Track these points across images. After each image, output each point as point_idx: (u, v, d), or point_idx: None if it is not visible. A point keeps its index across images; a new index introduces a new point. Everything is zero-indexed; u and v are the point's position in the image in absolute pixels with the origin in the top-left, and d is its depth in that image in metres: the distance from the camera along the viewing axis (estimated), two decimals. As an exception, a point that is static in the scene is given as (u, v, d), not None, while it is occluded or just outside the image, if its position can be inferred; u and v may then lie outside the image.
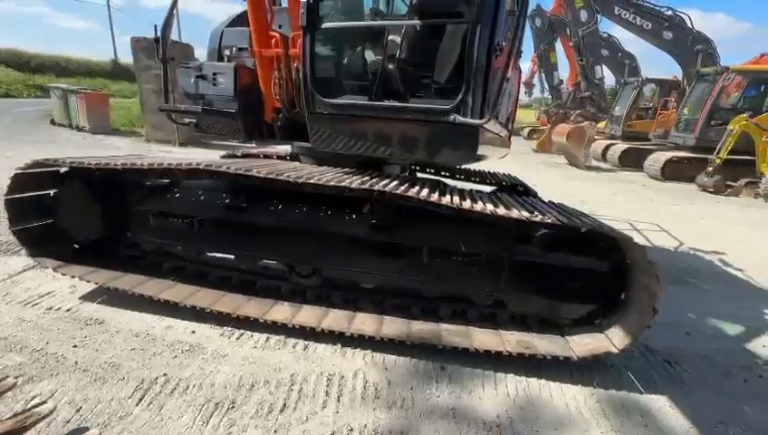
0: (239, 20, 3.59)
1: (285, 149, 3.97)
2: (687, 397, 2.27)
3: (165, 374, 2.16)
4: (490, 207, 2.28)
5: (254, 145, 4.73)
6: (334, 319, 2.58)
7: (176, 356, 2.32)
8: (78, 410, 1.88)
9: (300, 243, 2.79)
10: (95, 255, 3.01)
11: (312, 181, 2.31)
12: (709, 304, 3.50)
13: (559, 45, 19.26)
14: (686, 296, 3.59)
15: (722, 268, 4.47)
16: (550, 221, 2.17)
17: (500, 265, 2.56)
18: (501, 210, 2.24)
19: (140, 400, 1.97)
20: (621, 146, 13.26)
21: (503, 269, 2.56)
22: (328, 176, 2.46)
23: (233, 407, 1.97)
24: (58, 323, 2.56)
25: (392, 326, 2.53)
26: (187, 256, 3.08)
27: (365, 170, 2.89)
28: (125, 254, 3.12)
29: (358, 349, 2.48)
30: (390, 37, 2.58)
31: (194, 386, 2.09)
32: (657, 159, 10.94)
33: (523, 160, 12.47)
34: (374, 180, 2.51)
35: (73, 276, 2.80)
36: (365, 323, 2.56)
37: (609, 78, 17.04)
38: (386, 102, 2.62)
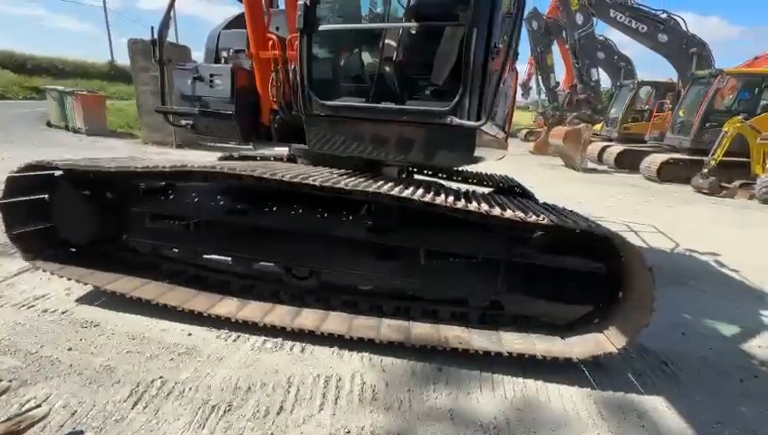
0: (236, 22, 3.59)
1: (283, 150, 3.97)
2: (684, 397, 2.28)
3: (161, 377, 2.15)
4: (485, 207, 2.29)
5: (251, 147, 4.73)
6: (333, 322, 2.58)
7: (172, 359, 2.31)
8: (73, 414, 1.86)
9: (296, 244, 2.78)
10: (91, 257, 3.00)
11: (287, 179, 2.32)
12: (705, 304, 3.52)
13: (555, 48, 19.36)
14: (681, 297, 3.60)
15: (717, 269, 4.50)
16: (545, 222, 2.18)
17: (496, 266, 2.56)
18: (495, 211, 2.25)
19: (136, 403, 1.96)
20: (617, 148, 13.34)
21: (499, 271, 2.56)
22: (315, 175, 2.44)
23: (229, 410, 1.96)
24: (53, 326, 2.54)
25: (391, 328, 2.53)
26: (183, 257, 3.07)
27: (361, 172, 2.89)
28: (121, 256, 3.11)
29: (355, 351, 2.47)
30: (387, 40, 2.59)
31: (190, 389, 2.08)
32: (653, 160, 11.01)
33: (520, 162, 12.51)
34: (367, 181, 2.51)
35: (69, 279, 2.79)
36: (362, 325, 2.56)
37: (605, 80, 17.17)
38: (383, 104, 2.62)
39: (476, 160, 2.91)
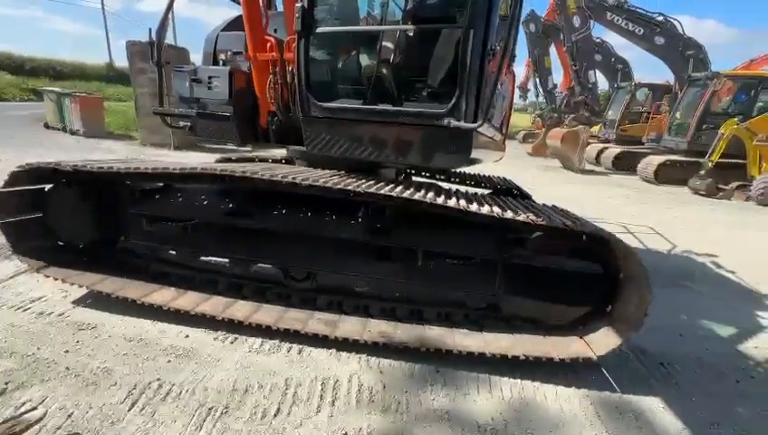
0: (234, 24, 3.60)
1: (281, 152, 3.97)
2: (681, 398, 2.28)
3: (158, 379, 2.14)
4: (463, 203, 2.32)
5: (249, 149, 4.73)
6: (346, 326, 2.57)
7: (169, 361, 2.31)
8: (69, 417, 1.85)
9: (293, 246, 2.79)
10: (89, 259, 2.99)
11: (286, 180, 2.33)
12: (701, 305, 3.53)
13: (553, 50, 19.42)
14: (678, 299, 3.61)
15: (714, 270, 4.51)
16: (544, 223, 2.19)
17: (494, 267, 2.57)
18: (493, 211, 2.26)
19: (133, 405, 1.95)
20: (615, 150, 13.39)
21: (496, 272, 2.57)
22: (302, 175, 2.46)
23: (226, 412, 1.95)
24: (49, 328, 2.53)
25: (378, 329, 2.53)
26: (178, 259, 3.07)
27: (359, 173, 2.90)
28: (118, 258, 3.10)
29: (353, 353, 2.47)
30: (384, 42, 2.60)
31: (187, 391, 2.07)
32: (650, 162, 11.06)
33: (518, 164, 12.54)
34: (363, 183, 2.52)
35: (64, 280, 2.78)
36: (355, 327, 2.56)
37: (602, 83, 17.24)
38: (380, 106, 2.63)
39: (473, 162, 2.92)
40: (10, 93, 21.57)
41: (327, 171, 2.86)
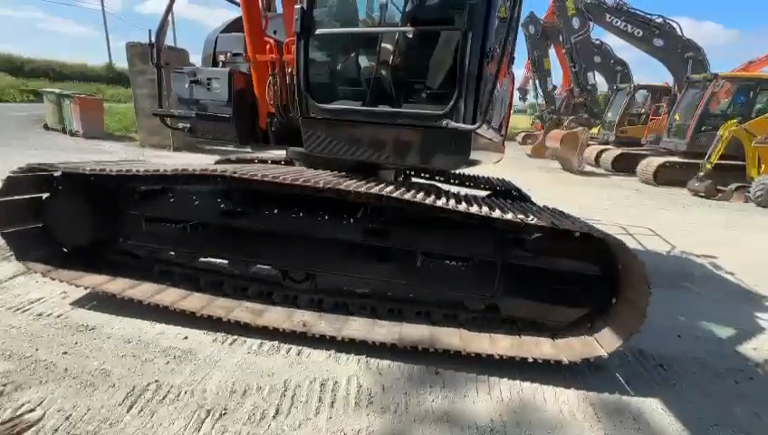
0: (234, 25, 3.61)
1: (280, 153, 3.98)
2: (680, 400, 2.28)
3: (156, 381, 2.14)
4: (452, 203, 2.33)
5: (248, 150, 4.73)
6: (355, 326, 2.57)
7: (168, 362, 2.30)
8: (67, 418, 1.85)
9: (291, 247, 2.78)
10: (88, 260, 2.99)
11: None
12: (700, 307, 3.53)
13: (552, 52, 19.47)
14: (677, 300, 3.62)
15: (713, 272, 4.52)
16: (544, 224, 2.19)
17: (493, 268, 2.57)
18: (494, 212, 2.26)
19: (131, 407, 1.95)
20: (614, 151, 13.42)
21: (495, 272, 2.57)
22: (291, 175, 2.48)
23: (225, 413, 1.95)
24: (48, 330, 2.53)
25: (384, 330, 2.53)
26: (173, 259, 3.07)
27: (357, 174, 2.90)
28: (116, 259, 3.10)
29: (352, 354, 2.47)
30: (384, 43, 2.61)
31: (186, 392, 2.07)
32: (650, 164, 11.08)
33: (517, 165, 12.56)
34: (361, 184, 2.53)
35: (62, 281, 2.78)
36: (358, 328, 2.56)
37: (601, 84, 17.25)
38: (379, 108, 2.64)
39: (472, 163, 2.93)
40: (10, 95, 21.58)
41: (323, 172, 2.87)
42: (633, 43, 13.38)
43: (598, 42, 16.12)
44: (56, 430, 1.78)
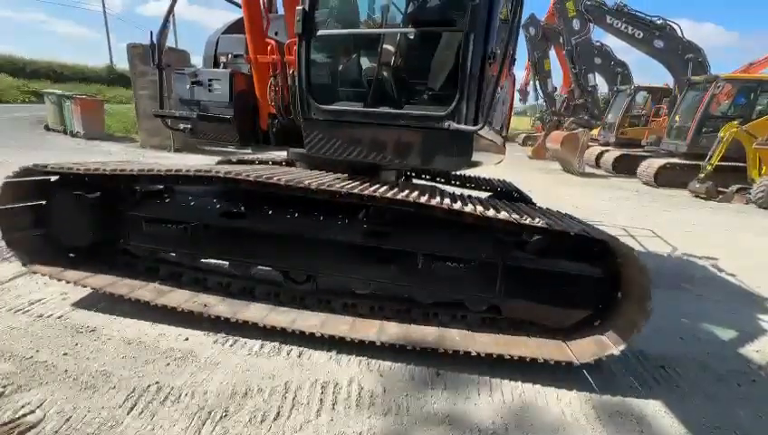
0: (235, 27, 3.61)
1: (281, 154, 3.97)
2: (682, 402, 2.27)
3: (157, 382, 2.13)
4: (447, 202, 2.33)
5: (249, 151, 4.73)
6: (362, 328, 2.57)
7: (168, 364, 2.30)
8: (67, 420, 1.84)
9: (291, 248, 2.78)
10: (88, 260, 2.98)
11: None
12: (702, 308, 3.52)
13: (552, 53, 19.52)
14: (679, 301, 3.61)
15: (714, 273, 4.51)
16: (542, 225, 2.19)
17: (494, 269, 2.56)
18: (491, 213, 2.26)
19: (132, 408, 1.94)
20: (615, 153, 13.42)
21: (497, 274, 2.56)
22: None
23: (226, 415, 1.94)
24: (48, 331, 2.52)
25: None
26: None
27: (358, 176, 2.90)
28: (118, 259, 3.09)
29: (353, 356, 2.46)
30: (385, 45, 2.61)
31: (186, 394, 2.06)
32: (650, 165, 11.08)
33: (518, 167, 12.56)
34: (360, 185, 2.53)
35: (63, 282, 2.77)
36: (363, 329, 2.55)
37: (602, 86, 17.30)
38: (380, 109, 2.64)
39: (474, 165, 2.92)
40: (11, 96, 21.59)
41: (323, 173, 2.86)
42: (633, 45, 13.42)
43: (598, 43, 16.18)
44: (56, 432, 1.77)
